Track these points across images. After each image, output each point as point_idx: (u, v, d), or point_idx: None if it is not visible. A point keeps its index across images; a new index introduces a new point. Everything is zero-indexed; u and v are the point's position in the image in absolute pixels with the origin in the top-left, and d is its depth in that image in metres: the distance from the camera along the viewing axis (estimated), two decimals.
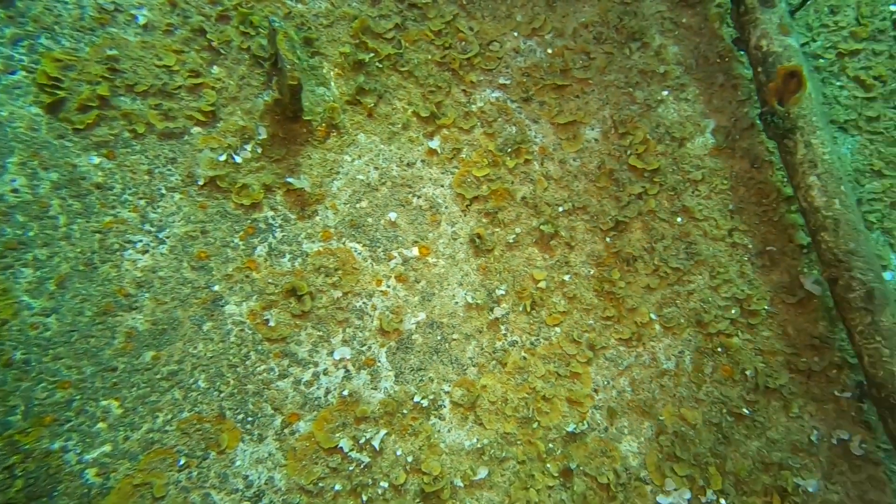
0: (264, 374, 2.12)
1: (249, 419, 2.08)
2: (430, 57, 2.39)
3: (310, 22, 2.28)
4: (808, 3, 2.46)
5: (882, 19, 2.65)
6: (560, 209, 2.58)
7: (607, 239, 2.62)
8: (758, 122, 2.66)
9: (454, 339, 2.30)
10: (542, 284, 2.52)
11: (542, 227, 2.52)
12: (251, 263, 2.18)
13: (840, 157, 2.68)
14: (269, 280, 2.17)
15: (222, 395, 2.07)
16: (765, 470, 2.43)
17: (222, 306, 2.13)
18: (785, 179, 2.62)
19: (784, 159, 2.53)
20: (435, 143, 2.38)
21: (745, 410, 2.51)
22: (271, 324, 2.14)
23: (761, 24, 2.46)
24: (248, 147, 2.21)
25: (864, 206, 2.66)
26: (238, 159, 2.20)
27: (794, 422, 2.51)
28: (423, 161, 2.38)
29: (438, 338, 2.27)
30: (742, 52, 2.60)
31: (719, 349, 2.60)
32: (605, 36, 2.61)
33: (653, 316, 2.61)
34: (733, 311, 2.62)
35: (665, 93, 2.68)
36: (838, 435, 2.48)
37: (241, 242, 2.19)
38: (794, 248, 2.65)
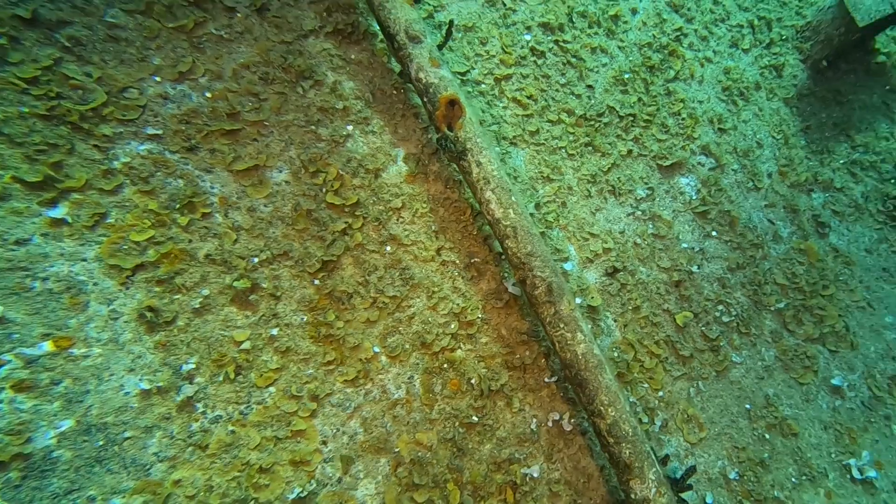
0: None
1: None
2: (25, 110, 2.05)
3: None
4: (449, 41, 2.76)
5: (521, 47, 3.13)
6: (256, 260, 2.45)
7: (316, 281, 2.59)
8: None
9: (128, 438, 2.00)
10: (247, 345, 2.36)
11: (235, 283, 2.36)
12: None
13: (515, 169, 3.07)
14: None
15: None
16: (497, 469, 2.64)
17: None
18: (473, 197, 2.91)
19: (465, 179, 2.81)
20: (59, 212, 2.05)
21: (474, 418, 2.70)
22: None
23: (415, 59, 2.68)
24: None
25: (543, 208, 3.09)
26: None
27: (517, 416, 2.77)
28: (43, 235, 2.02)
29: (101, 443, 1.94)
30: (410, 84, 2.81)
31: (445, 365, 2.76)
32: (272, 76, 2.58)
33: (376, 349, 2.65)
34: (452, 326, 2.81)
35: (349, 127, 2.76)
36: (552, 417, 2.82)
37: None
38: (493, 256, 2.95)
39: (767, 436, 2.99)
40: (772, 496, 2.88)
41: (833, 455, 3.00)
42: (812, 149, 3.48)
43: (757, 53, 3.53)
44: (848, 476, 2.96)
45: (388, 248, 2.79)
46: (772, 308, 3.22)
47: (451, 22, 2.77)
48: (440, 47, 2.84)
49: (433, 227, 2.90)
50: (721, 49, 3.48)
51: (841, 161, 3.50)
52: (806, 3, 3.62)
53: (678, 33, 3.42)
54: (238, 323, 2.37)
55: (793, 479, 2.92)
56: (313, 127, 2.68)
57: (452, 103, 2.78)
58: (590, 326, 3.02)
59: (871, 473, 2.94)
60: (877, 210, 3.48)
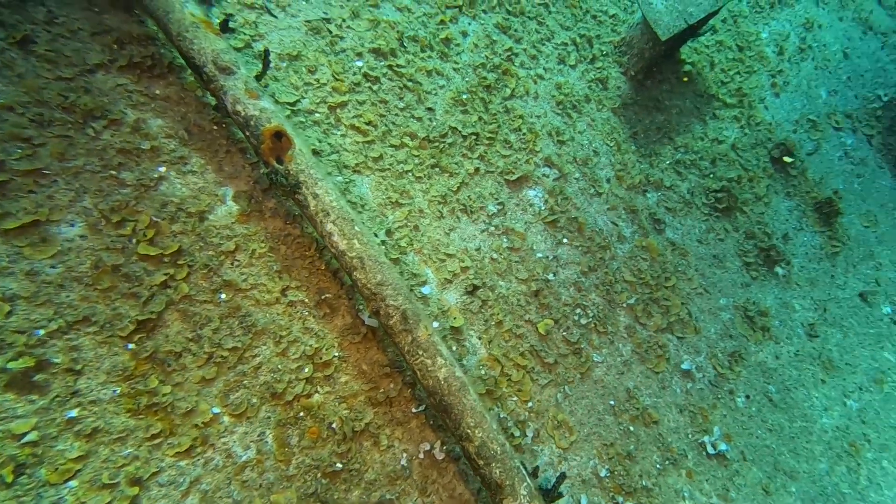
0: None
1: None
2: None
3: None
4: (268, 70, 2.51)
5: (354, 74, 2.94)
6: (41, 332, 2.00)
7: (131, 346, 2.17)
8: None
9: None
10: (33, 436, 1.90)
11: (11, 364, 1.90)
12: None
13: (361, 197, 2.86)
14: None
15: None
16: None
17: None
18: None
19: (303, 213, 2.54)
20: None
21: (338, 465, 2.41)
22: None
23: (230, 91, 2.40)
24: None
25: (395, 234, 2.90)
26: None
27: (386, 454, 2.52)
28: None
29: None
30: (231, 118, 2.51)
31: (301, 413, 2.45)
32: (49, 118, 2.16)
33: (216, 410, 2.28)
34: (306, 370, 2.52)
35: (161, 169, 2.40)
36: (423, 448, 2.60)
37: None
38: (346, 290, 2.70)
39: (632, 428, 2.99)
40: (640, 486, 2.86)
41: (690, 435, 3.06)
42: (641, 153, 3.64)
43: (583, 69, 3.64)
44: (704, 453, 3.03)
45: (223, 296, 2.45)
46: (624, 305, 3.27)
47: (267, 51, 2.52)
48: (259, 77, 2.57)
49: (275, 267, 2.59)
50: (550, 66, 3.55)
51: (667, 162, 3.69)
52: (619, 21, 3.82)
53: (509, 53, 3.43)
54: (18, 412, 1.90)
55: (657, 466, 2.94)
56: (113, 172, 2.28)
57: (279, 135, 2.52)
58: (454, 348, 2.86)
59: (723, 447, 3.04)
60: (702, 203, 3.70)
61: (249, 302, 2.50)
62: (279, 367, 2.48)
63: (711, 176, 3.73)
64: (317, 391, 2.53)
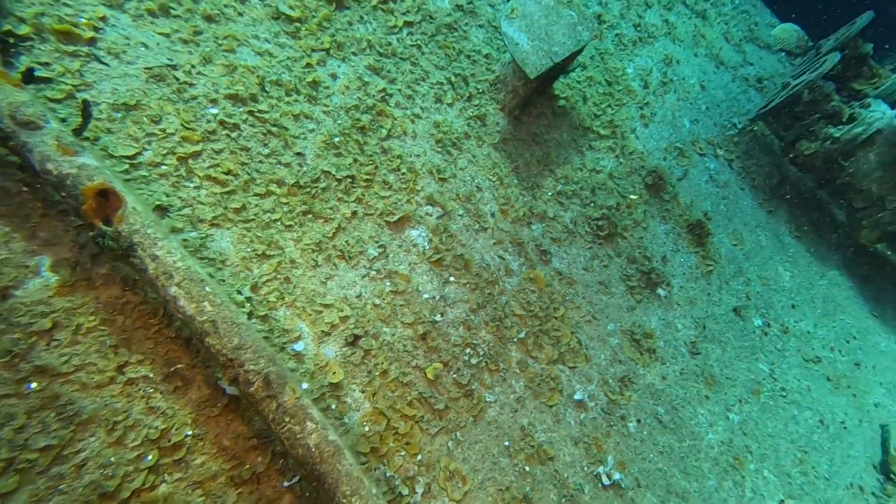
0: None
1: None
2: None
3: None
4: (90, 122, 2.12)
5: (208, 122, 2.60)
6: None
7: None
8: None
9: None
10: None
11: None
12: None
13: (221, 252, 2.49)
14: None
15: None
16: None
17: None
18: None
19: (141, 278, 2.14)
20: None
21: None
22: None
23: (37, 148, 1.98)
24: None
25: (263, 288, 2.54)
26: None
27: None
28: None
29: None
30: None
31: None
32: None
33: None
34: (150, 458, 2.07)
35: None
36: None
37: None
38: (202, 357, 2.29)
39: (528, 467, 2.77)
40: None
41: (585, 468, 2.88)
42: (524, 186, 3.53)
43: (460, 106, 3.50)
44: (600, 485, 2.85)
45: (34, 386, 1.97)
46: (515, 339, 3.08)
47: (86, 102, 2.13)
48: (78, 131, 2.17)
49: (109, 342, 2.15)
50: (427, 105, 3.38)
51: (549, 193, 3.61)
52: (493, 60, 3.75)
53: (383, 94, 3.22)
54: None
55: None
56: None
57: (105, 193, 2.12)
58: (333, 406, 2.52)
59: (617, 476, 2.87)
60: (585, 231, 3.63)
61: (72, 387, 2.04)
62: (112, 459, 2.02)
63: (592, 205, 3.69)
64: (163, 480, 2.09)
